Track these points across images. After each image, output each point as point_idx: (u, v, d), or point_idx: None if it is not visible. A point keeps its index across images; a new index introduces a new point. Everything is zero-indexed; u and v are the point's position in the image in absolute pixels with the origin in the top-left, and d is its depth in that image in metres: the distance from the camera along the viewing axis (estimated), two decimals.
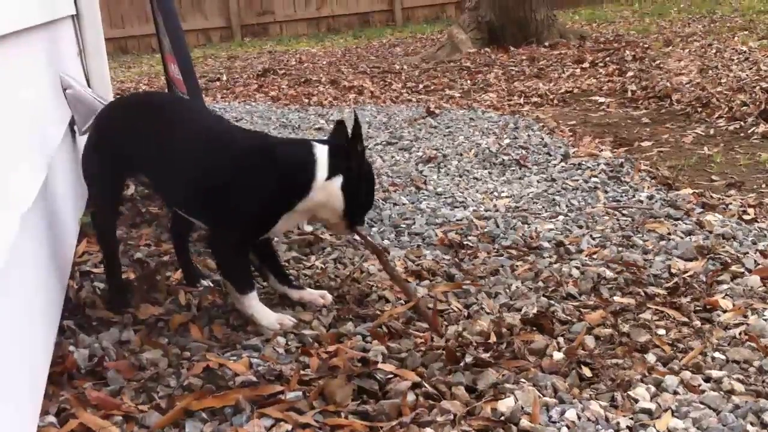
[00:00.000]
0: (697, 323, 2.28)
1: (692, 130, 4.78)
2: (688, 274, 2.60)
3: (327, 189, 2.23)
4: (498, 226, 3.17)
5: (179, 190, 2.35)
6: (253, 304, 2.29)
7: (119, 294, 2.47)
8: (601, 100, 5.94)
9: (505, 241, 3.00)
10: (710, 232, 2.97)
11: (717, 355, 2.09)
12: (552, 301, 2.44)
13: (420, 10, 13.68)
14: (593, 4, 13.11)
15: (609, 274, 2.63)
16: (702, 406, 1.84)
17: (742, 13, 9.99)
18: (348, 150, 2.25)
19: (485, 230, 3.13)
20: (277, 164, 2.23)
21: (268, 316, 2.29)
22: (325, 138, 2.42)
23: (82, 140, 3.37)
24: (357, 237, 2.57)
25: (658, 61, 7.06)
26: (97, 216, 2.57)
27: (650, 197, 3.44)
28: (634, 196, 3.48)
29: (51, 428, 1.76)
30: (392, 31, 12.59)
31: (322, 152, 2.24)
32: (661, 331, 2.23)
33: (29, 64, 2.48)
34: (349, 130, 2.25)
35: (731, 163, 4.04)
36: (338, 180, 2.23)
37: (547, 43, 8.67)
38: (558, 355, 2.09)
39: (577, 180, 3.77)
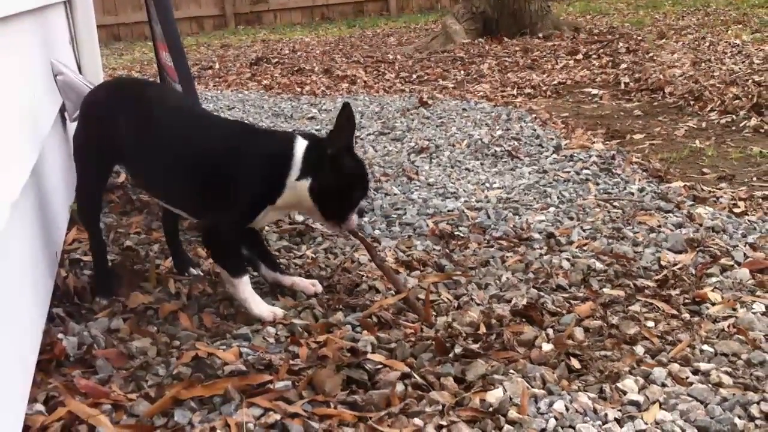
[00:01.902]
0: (686, 316, 2.29)
1: (684, 123, 4.79)
2: (677, 266, 2.61)
3: (297, 189, 2.23)
4: (489, 217, 3.17)
5: (162, 181, 2.35)
6: (247, 289, 2.29)
7: (106, 280, 2.46)
8: (594, 92, 5.93)
9: (496, 232, 3.00)
10: (700, 224, 2.98)
11: (705, 347, 2.09)
12: (542, 293, 2.44)
13: (414, 0, 13.65)
14: None
15: (599, 266, 2.63)
16: (690, 399, 1.84)
17: (736, 6, 10.00)
18: (323, 149, 2.22)
19: (476, 221, 3.13)
20: (258, 158, 2.24)
21: (260, 305, 2.29)
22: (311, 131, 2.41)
23: (73, 127, 3.35)
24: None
25: (651, 54, 7.06)
26: (82, 201, 2.55)
27: (641, 189, 3.44)
28: (625, 189, 3.49)
29: (39, 416, 1.76)
30: (386, 20, 12.57)
31: (299, 149, 2.23)
32: (650, 324, 2.24)
33: (19, 50, 2.47)
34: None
35: (723, 156, 4.05)
36: (307, 182, 2.22)
37: (540, 35, 8.67)
38: (547, 347, 2.09)
39: (569, 172, 3.77)
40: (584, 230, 2.99)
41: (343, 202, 2.28)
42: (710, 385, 1.91)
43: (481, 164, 4.03)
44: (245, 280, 2.29)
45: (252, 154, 2.24)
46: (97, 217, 2.52)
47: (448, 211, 3.27)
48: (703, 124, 4.71)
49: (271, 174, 2.23)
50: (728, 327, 2.20)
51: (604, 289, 2.47)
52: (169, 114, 2.37)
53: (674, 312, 2.31)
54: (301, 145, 2.24)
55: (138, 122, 2.32)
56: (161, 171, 2.32)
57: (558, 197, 3.42)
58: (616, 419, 1.77)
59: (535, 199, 3.41)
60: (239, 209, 2.25)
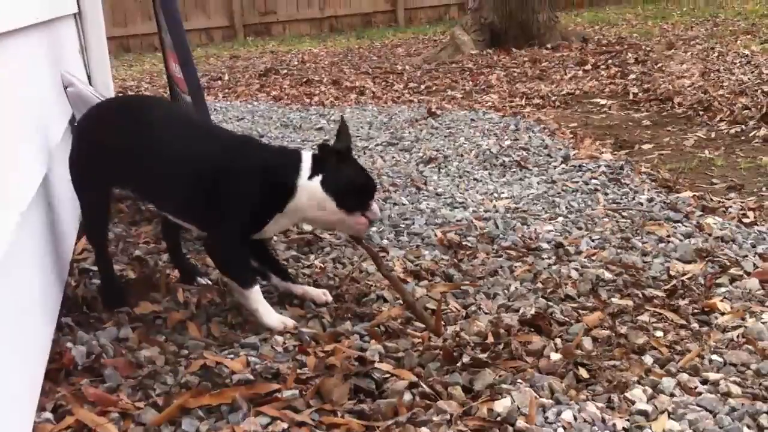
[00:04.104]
0: (695, 326, 2.28)
1: (693, 133, 4.78)
2: (686, 276, 2.60)
3: (309, 189, 2.24)
4: (497, 227, 3.16)
5: (168, 196, 2.35)
6: (258, 299, 2.30)
7: (115, 292, 2.46)
8: (603, 102, 5.93)
9: (504, 242, 3.00)
10: (709, 234, 2.97)
11: (714, 357, 2.09)
12: (550, 303, 2.44)
13: (423, 11, 13.69)
14: (596, 6, 13.11)
15: (608, 275, 2.63)
16: (699, 409, 1.84)
17: (745, 16, 9.98)
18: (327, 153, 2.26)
19: (485, 231, 3.13)
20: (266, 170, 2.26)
21: (271, 315, 2.29)
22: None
23: None
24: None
25: (660, 64, 7.05)
26: (87, 224, 2.54)
27: (650, 200, 3.44)
28: (634, 199, 3.48)
29: (47, 424, 1.76)
30: (395, 31, 12.59)
31: (306, 157, 2.27)
32: (659, 333, 2.23)
33: (30, 62, 2.49)
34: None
35: (732, 167, 4.04)
36: (318, 178, 2.23)
37: (549, 45, 8.67)
38: (555, 356, 2.08)
39: (578, 182, 3.77)
40: (593, 240, 2.98)
41: (359, 190, 2.28)
42: (719, 395, 1.90)
43: (490, 174, 4.03)
44: (255, 290, 2.30)
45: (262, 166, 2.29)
46: (105, 236, 2.52)
47: (457, 220, 3.27)
48: (712, 134, 4.70)
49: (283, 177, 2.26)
50: (737, 337, 2.19)
51: (613, 299, 2.47)
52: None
53: (683, 322, 2.30)
54: (306, 155, 2.29)
55: (143, 140, 2.30)
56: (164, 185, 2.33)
57: (566, 207, 3.41)
58: (624, 429, 1.77)
59: (543, 209, 3.41)
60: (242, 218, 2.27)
